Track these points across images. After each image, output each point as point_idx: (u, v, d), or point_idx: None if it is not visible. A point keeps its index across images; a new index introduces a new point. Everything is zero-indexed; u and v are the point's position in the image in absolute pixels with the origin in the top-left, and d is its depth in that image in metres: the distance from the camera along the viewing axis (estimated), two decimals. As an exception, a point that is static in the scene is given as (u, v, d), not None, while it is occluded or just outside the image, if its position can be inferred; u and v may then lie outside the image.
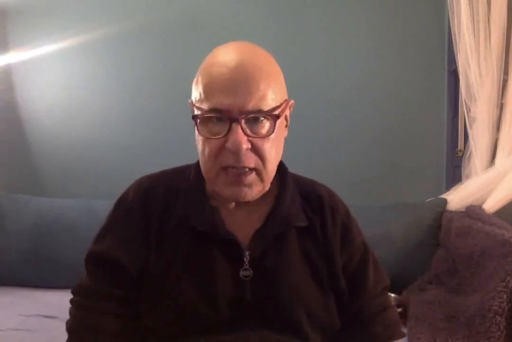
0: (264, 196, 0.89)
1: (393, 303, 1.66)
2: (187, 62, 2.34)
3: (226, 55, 0.81)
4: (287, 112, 0.88)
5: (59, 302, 1.68)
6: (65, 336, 0.88)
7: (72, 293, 0.90)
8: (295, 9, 2.24)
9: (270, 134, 0.81)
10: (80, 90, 2.38)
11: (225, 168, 0.81)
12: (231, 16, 2.27)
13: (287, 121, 0.89)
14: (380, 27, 2.20)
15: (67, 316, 0.90)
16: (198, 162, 0.92)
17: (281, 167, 0.93)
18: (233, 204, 0.90)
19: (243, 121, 0.78)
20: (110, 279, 0.86)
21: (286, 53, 2.21)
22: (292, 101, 0.89)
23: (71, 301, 0.90)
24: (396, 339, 0.95)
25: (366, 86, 2.22)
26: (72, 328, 0.87)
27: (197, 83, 0.83)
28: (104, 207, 2.06)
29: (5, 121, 2.39)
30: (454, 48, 1.96)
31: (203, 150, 0.83)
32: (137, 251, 0.87)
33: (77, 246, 1.96)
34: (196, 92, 0.83)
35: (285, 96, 0.86)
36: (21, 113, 2.42)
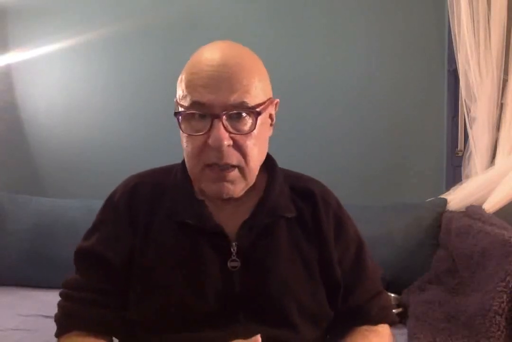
0: (251, 190, 0.89)
1: (393, 303, 1.66)
2: (187, 62, 2.36)
3: (209, 54, 0.82)
4: (272, 111, 0.89)
5: (59, 302, 1.69)
6: (65, 336, 0.89)
7: (62, 286, 0.92)
8: (295, 10, 2.24)
9: (251, 131, 0.81)
10: (80, 90, 2.38)
11: (209, 166, 0.82)
12: (231, 17, 2.27)
13: (272, 120, 0.90)
14: (380, 27, 2.20)
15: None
16: (183, 162, 0.93)
17: (269, 161, 0.94)
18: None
19: (224, 117, 0.79)
20: (96, 273, 0.88)
21: (286, 53, 2.21)
22: (277, 100, 0.89)
23: (60, 294, 0.92)
24: (390, 323, 0.96)
25: (366, 86, 2.22)
26: (60, 319, 0.89)
27: (181, 81, 0.84)
28: (104, 207, 2.09)
29: (5, 121, 2.39)
30: (454, 48, 1.96)
31: (187, 147, 0.84)
32: (123, 246, 0.88)
33: (77, 246, 1.97)
34: (179, 90, 0.84)
35: (269, 94, 0.86)
36: (21, 113, 2.42)
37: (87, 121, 2.38)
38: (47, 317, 1.66)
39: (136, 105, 2.35)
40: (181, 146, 0.86)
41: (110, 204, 0.93)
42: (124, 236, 0.88)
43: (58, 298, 0.91)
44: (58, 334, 0.89)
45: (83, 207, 2.08)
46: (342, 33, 2.23)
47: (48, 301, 1.79)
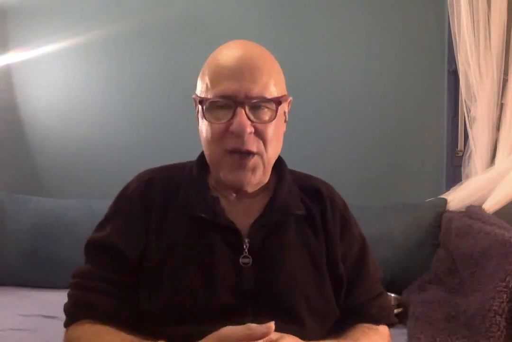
0: (262, 189, 0.93)
1: (393, 303, 1.66)
2: (187, 62, 2.35)
3: (231, 49, 0.87)
4: (286, 108, 0.93)
5: (59, 302, 1.68)
6: (65, 336, 0.88)
7: (71, 276, 0.92)
8: (296, 11, 2.24)
9: (272, 120, 0.85)
10: (80, 90, 2.38)
11: (229, 152, 0.85)
12: (231, 17, 2.27)
13: (285, 117, 0.93)
14: (380, 28, 2.20)
15: (66, 316, 0.90)
16: (199, 157, 0.96)
17: (279, 161, 0.96)
18: (234, 195, 0.92)
19: (247, 107, 0.83)
20: (108, 264, 0.89)
21: (286, 54, 2.19)
22: (291, 98, 0.93)
23: (70, 284, 0.91)
24: (389, 324, 0.98)
25: (366, 86, 2.22)
26: (69, 308, 0.89)
27: (203, 75, 0.88)
28: (104, 206, 2.06)
29: (5, 121, 2.39)
30: (454, 48, 1.96)
31: (206, 135, 0.86)
32: (136, 238, 0.89)
33: (77, 246, 1.93)
34: (202, 84, 0.88)
35: (284, 91, 0.90)
36: (21, 113, 2.42)
37: (87, 121, 2.38)
38: (47, 317, 1.66)
39: (136, 105, 2.35)
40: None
41: (124, 197, 0.94)
42: (137, 228, 0.90)
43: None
44: (67, 324, 0.88)
45: (83, 207, 2.08)
46: (342, 34, 2.23)
47: (48, 301, 1.80)
